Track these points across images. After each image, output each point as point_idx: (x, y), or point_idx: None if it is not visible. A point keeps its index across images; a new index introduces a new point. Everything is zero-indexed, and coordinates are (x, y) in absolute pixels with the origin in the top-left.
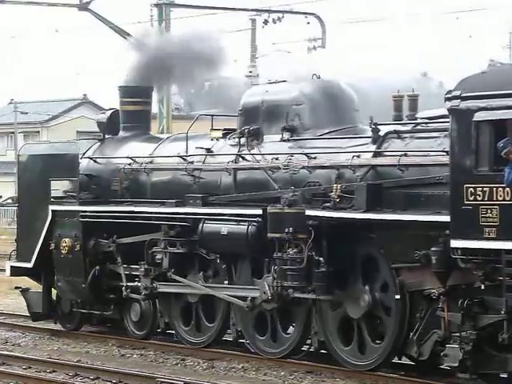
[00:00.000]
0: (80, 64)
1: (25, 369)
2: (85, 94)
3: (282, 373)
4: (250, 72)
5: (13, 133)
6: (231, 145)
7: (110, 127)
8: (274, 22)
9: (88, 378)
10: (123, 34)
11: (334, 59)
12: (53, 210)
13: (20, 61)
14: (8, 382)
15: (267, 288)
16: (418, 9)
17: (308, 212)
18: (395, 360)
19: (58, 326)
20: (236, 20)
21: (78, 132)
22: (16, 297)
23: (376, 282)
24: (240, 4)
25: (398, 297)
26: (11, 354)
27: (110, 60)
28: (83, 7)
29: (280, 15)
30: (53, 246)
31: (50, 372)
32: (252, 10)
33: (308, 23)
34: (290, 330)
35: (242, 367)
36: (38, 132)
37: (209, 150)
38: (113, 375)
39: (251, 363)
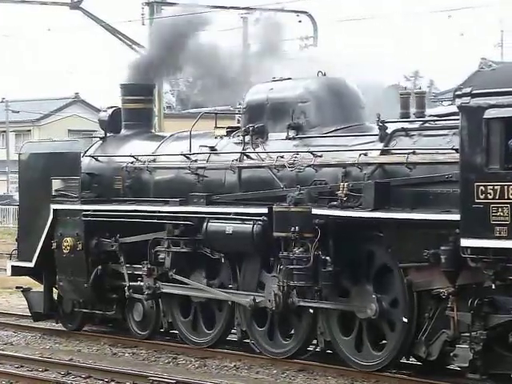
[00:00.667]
0: (72, 63)
1: (17, 367)
2: (77, 93)
3: (274, 371)
4: None
5: (4, 131)
6: (235, 143)
7: (111, 125)
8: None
9: (80, 376)
10: (115, 32)
11: (326, 57)
12: (54, 209)
13: (12, 59)
14: (0, 380)
15: (273, 297)
16: (409, 7)
17: (314, 211)
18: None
19: (50, 325)
20: (227, 18)
21: (69, 131)
22: (7, 295)
23: (387, 294)
24: (231, 2)
25: (405, 320)
26: (3, 352)
27: (102, 59)
28: (75, 6)
29: (271, 13)
30: (54, 245)
31: (42, 371)
32: (243, 8)
33: (300, 22)
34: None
35: (234, 366)
36: (30, 131)
37: (213, 149)
38: (105, 374)
39: (243, 362)
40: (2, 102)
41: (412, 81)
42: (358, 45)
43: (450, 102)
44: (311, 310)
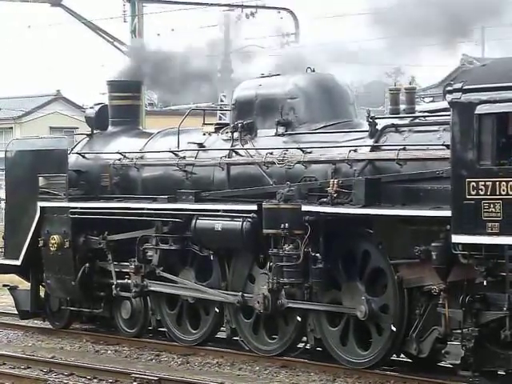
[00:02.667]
0: (53, 60)
1: None
2: (58, 90)
3: (257, 368)
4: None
5: None
6: (224, 139)
7: (98, 122)
8: (247, 17)
9: (62, 374)
10: (96, 29)
11: (307, 54)
12: (41, 207)
13: None
14: None
15: (262, 300)
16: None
17: (304, 207)
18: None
19: (32, 323)
20: (209, 15)
21: (51, 128)
22: None
23: (378, 296)
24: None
25: (394, 329)
26: None
27: (83, 56)
28: (56, 3)
29: (253, 10)
30: (41, 243)
31: (24, 368)
32: (225, 5)
33: (281, 18)
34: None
35: (217, 362)
36: (11, 128)
37: (201, 145)
38: (87, 371)
39: (226, 358)
40: None
41: (393, 77)
42: (338, 41)
43: (432, 99)
44: (299, 318)
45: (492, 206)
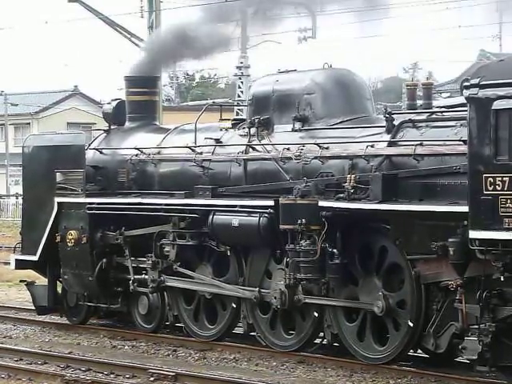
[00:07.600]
0: (70, 55)
1: (16, 361)
2: (75, 86)
3: (274, 363)
4: (241, 63)
5: (3, 124)
6: (241, 135)
7: (115, 118)
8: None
9: (79, 369)
10: (113, 25)
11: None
12: (58, 202)
13: (10, 52)
14: None
15: (278, 295)
16: None
17: (321, 203)
18: None
19: (49, 318)
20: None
21: (68, 123)
22: (6, 289)
23: (395, 292)
24: None
25: (411, 324)
26: (2, 346)
27: (100, 51)
28: None
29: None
30: (59, 238)
31: (41, 364)
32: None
33: (298, 13)
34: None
35: (234, 358)
36: (29, 124)
37: (218, 141)
38: (104, 367)
39: (243, 354)
40: (0, 94)
41: (410, 73)
42: (355, 37)
43: (449, 94)
44: (316, 314)
45: (509, 201)
